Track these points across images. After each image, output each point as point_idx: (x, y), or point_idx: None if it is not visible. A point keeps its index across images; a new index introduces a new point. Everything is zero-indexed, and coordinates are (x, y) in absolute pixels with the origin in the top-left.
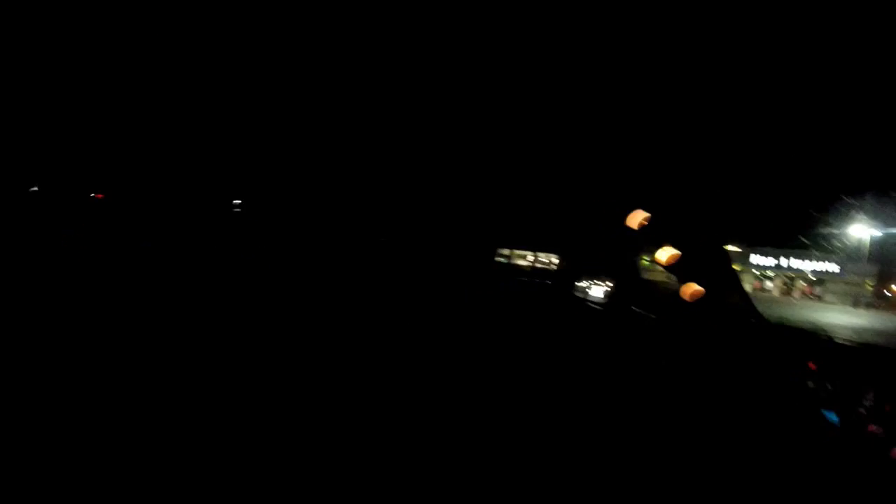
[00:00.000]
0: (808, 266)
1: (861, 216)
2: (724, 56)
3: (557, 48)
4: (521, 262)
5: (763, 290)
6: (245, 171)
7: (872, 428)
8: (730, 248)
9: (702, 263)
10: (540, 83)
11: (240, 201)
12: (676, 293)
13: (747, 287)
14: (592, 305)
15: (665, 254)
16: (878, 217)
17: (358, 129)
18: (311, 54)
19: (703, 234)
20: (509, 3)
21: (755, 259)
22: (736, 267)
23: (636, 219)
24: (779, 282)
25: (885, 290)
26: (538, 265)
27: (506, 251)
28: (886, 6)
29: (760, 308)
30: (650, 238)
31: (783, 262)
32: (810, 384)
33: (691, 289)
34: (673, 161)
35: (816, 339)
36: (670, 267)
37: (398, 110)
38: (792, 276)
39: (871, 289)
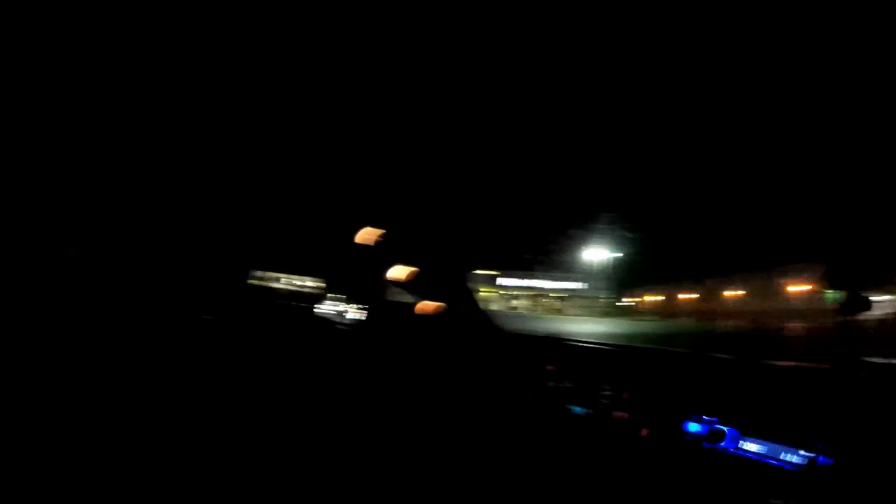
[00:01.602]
0: (552, 284)
1: (596, 238)
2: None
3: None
4: (275, 285)
5: (513, 308)
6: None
7: (618, 414)
8: (480, 271)
9: (438, 281)
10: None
11: None
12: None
13: (495, 306)
14: (341, 326)
15: (402, 272)
16: (611, 238)
17: None
18: None
19: (438, 252)
20: None
21: (503, 281)
22: (486, 289)
23: (369, 236)
24: (526, 300)
25: (620, 301)
26: (292, 287)
27: (259, 273)
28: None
29: (507, 322)
30: (388, 256)
31: (529, 282)
32: (551, 384)
33: (428, 305)
34: (410, 179)
35: (554, 344)
36: (407, 285)
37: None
38: (538, 294)
39: (606, 301)
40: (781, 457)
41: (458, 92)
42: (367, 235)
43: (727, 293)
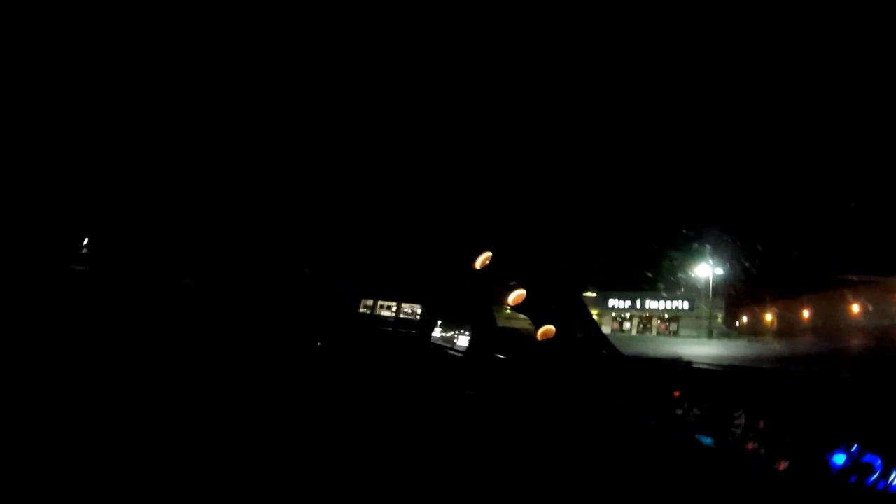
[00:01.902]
0: (661, 305)
1: (705, 255)
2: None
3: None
4: (385, 313)
5: (622, 329)
6: None
7: (751, 445)
8: (588, 294)
9: (552, 303)
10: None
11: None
12: (533, 336)
13: (606, 329)
14: (453, 353)
15: (511, 295)
16: (721, 254)
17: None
18: None
19: (550, 274)
20: None
21: (612, 302)
22: (595, 311)
23: (479, 259)
24: (635, 321)
25: (733, 322)
26: (402, 315)
27: (369, 302)
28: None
29: (620, 346)
30: (496, 279)
31: (638, 303)
32: (678, 411)
33: (544, 329)
34: (517, 205)
35: (677, 368)
36: (520, 308)
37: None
38: (647, 315)
39: (720, 321)
40: None
41: (572, 106)
42: (483, 260)
43: (850, 308)
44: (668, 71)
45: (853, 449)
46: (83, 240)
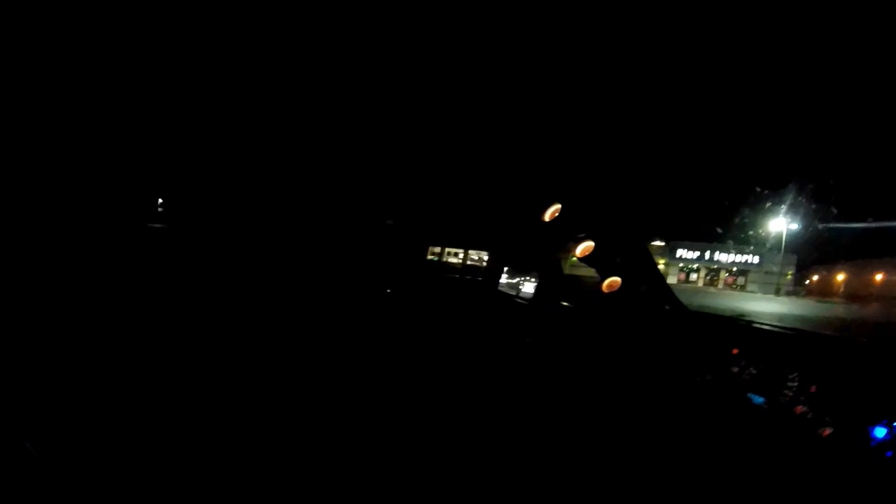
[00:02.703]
0: (730, 258)
1: (779, 210)
2: (637, 55)
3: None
4: (453, 260)
5: (688, 281)
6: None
7: (799, 409)
8: (655, 243)
9: (619, 255)
10: (461, 87)
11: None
12: (598, 287)
13: (672, 279)
14: (519, 300)
15: (579, 247)
16: (796, 211)
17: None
18: None
19: (618, 226)
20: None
21: (679, 252)
22: (661, 261)
23: (549, 212)
24: (702, 273)
25: (803, 280)
26: (469, 262)
27: (437, 249)
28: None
29: (684, 298)
30: (565, 231)
31: (706, 255)
32: (734, 369)
33: (610, 281)
34: (587, 157)
35: (738, 326)
36: (587, 259)
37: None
38: (715, 268)
39: (790, 278)
40: None
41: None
42: (549, 211)
43: None
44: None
45: (894, 424)
46: (158, 199)
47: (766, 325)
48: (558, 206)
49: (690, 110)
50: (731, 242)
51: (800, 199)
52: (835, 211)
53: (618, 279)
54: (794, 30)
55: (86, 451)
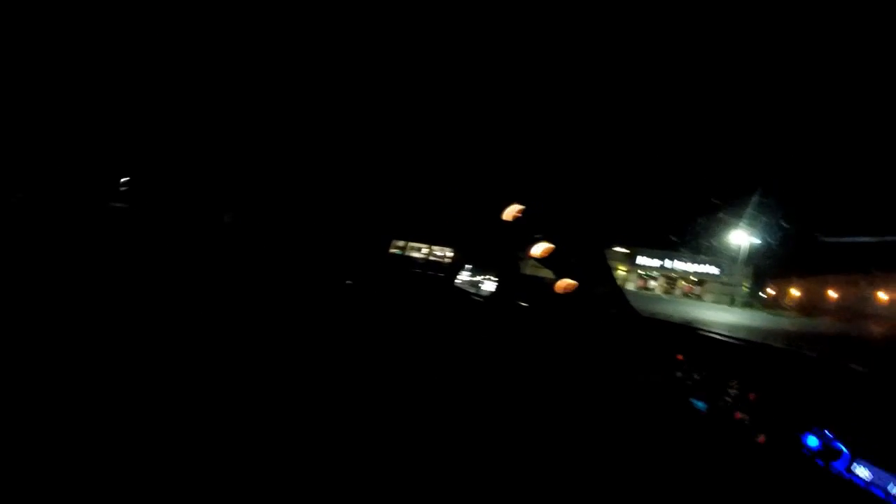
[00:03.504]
0: (690, 267)
1: (740, 223)
2: (605, 63)
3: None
4: (416, 255)
5: (647, 288)
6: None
7: (738, 415)
8: (617, 249)
9: (575, 258)
10: (429, 81)
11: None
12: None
13: (632, 286)
14: (476, 298)
15: (538, 248)
16: (757, 224)
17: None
18: None
19: (575, 229)
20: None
21: (640, 259)
22: (622, 267)
23: (510, 212)
24: (662, 281)
25: (759, 292)
26: (432, 258)
27: (401, 243)
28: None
29: (641, 304)
30: (524, 231)
31: (667, 263)
32: (678, 373)
33: (567, 283)
34: (550, 160)
35: (685, 332)
36: (544, 260)
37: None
38: (675, 276)
39: (746, 290)
40: (890, 489)
41: (610, 64)
42: (510, 211)
43: (882, 294)
44: (722, 38)
45: (825, 433)
46: (121, 178)
47: (713, 333)
48: (519, 206)
49: (657, 121)
50: (691, 252)
51: (761, 213)
52: (794, 226)
53: (572, 281)
54: (756, 47)
55: (75, 448)
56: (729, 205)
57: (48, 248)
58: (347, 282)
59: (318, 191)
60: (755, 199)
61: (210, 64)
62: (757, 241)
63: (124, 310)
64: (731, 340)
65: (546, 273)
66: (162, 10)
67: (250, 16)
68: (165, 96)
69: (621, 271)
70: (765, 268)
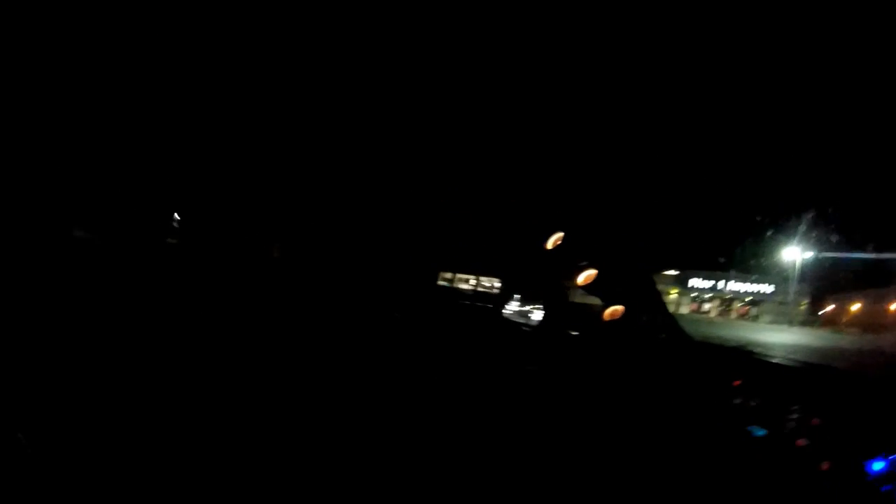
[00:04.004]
0: (743, 288)
1: (793, 239)
2: (645, 82)
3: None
4: (463, 286)
5: (700, 311)
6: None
7: (801, 442)
8: (667, 272)
9: (621, 284)
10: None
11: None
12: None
13: (685, 309)
14: (525, 328)
15: (582, 275)
16: (810, 240)
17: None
18: None
19: (620, 255)
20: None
21: (692, 282)
22: (673, 291)
23: (552, 240)
24: (716, 303)
25: (817, 309)
26: (480, 289)
27: (448, 275)
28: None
29: (695, 328)
30: (568, 259)
31: (719, 284)
32: (736, 400)
33: (612, 310)
34: (591, 186)
35: (742, 356)
36: (589, 287)
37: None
38: (729, 298)
39: (804, 308)
40: None
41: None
42: (554, 240)
43: None
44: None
45: (892, 458)
46: (172, 215)
47: (771, 356)
48: (560, 234)
49: (700, 140)
50: (744, 272)
51: (814, 227)
52: (849, 239)
53: (620, 308)
54: (805, 55)
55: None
56: (779, 220)
57: (108, 282)
58: (396, 314)
59: (365, 224)
60: (808, 213)
61: (260, 105)
62: (812, 255)
63: (183, 343)
64: (790, 364)
65: (595, 301)
66: (214, 55)
67: (303, 57)
68: (215, 136)
69: (673, 295)
70: (821, 284)
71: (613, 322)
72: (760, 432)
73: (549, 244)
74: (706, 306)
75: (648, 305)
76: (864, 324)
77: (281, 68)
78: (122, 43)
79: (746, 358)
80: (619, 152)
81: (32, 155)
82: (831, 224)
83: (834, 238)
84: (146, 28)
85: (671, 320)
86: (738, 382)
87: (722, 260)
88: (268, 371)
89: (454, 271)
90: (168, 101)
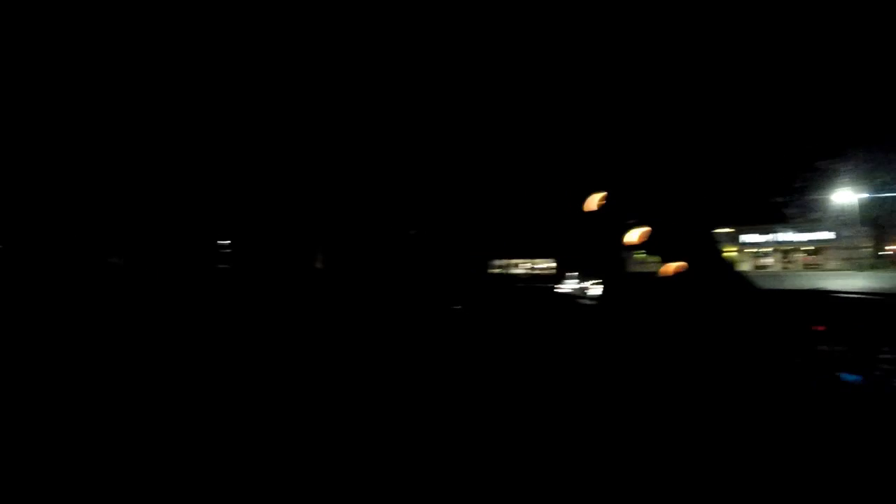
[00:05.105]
0: (802, 237)
1: (844, 180)
2: (683, 41)
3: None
4: (517, 271)
5: (762, 266)
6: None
7: None
8: (722, 230)
9: (678, 240)
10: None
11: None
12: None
13: (745, 266)
14: (584, 301)
15: (634, 234)
16: (862, 179)
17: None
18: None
19: (671, 208)
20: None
21: (748, 238)
22: (731, 248)
23: (594, 201)
24: (777, 256)
25: (883, 250)
26: (535, 272)
27: (503, 262)
28: None
29: (762, 283)
30: (616, 218)
31: (777, 236)
32: (822, 347)
33: (672, 267)
34: (630, 142)
35: (821, 299)
36: (645, 246)
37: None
38: (790, 249)
39: (869, 251)
40: None
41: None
42: (593, 201)
43: None
44: None
45: None
46: (221, 241)
47: (851, 293)
48: (602, 193)
49: (738, 77)
50: (800, 221)
51: (865, 166)
52: None
53: (680, 263)
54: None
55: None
56: (830, 163)
57: (157, 308)
58: (455, 307)
59: (415, 229)
60: (856, 153)
61: (296, 118)
62: (866, 196)
63: (243, 358)
64: (875, 298)
65: (653, 267)
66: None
67: (331, 68)
68: (257, 160)
69: (731, 252)
70: (882, 225)
71: (678, 281)
72: (853, 378)
73: (595, 205)
74: (767, 260)
75: (710, 259)
76: None
77: (312, 82)
78: (160, 72)
79: (824, 300)
80: (654, 104)
81: (74, 184)
82: (883, 162)
83: (888, 176)
84: (185, 59)
85: (736, 272)
86: (821, 328)
87: (778, 211)
88: (334, 383)
89: (506, 258)
90: (208, 129)
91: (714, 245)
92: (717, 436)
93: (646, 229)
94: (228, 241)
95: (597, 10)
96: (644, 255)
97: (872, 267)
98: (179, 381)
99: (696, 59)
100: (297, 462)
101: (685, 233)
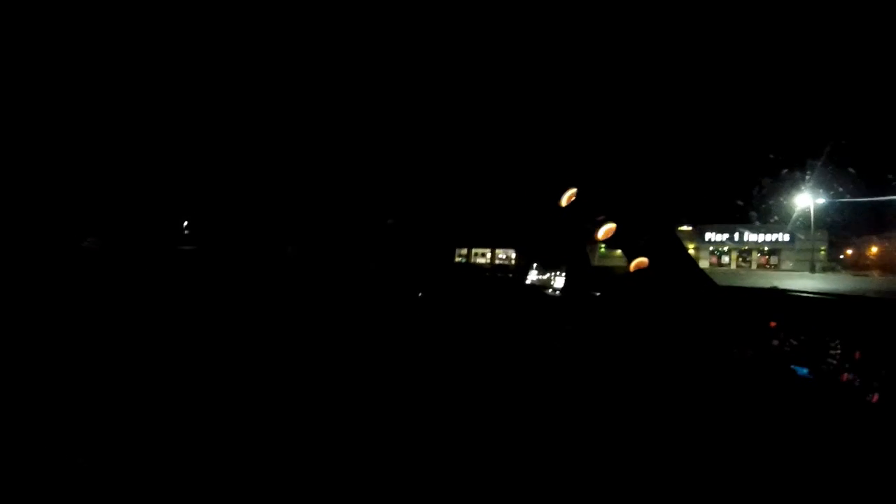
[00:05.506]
0: (760, 238)
1: (805, 185)
2: (657, 35)
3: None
4: (480, 260)
5: (720, 264)
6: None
7: (846, 377)
8: (682, 227)
9: (642, 235)
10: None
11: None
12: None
13: (704, 263)
14: (550, 294)
15: (602, 230)
16: (821, 186)
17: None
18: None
19: (637, 206)
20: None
21: (708, 236)
22: (690, 245)
23: (566, 197)
24: (734, 255)
25: (836, 255)
26: (497, 261)
27: (464, 251)
28: None
29: (719, 281)
30: (584, 215)
31: (736, 236)
32: (774, 342)
33: (637, 261)
34: (599, 139)
35: (774, 298)
36: (610, 242)
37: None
38: (747, 249)
39: (823, 254)
40: None
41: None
42: (568, 197)
43: None
44: None
45: None
46: (182, 223)
47: (804, 293)
48: (573, 189)
49: (706, 88)
50: (761, 222)
51: (827, 173)
52: (863, 183)
53: (644, 259)
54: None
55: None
56: (792, 167)
57: (126, 287)
58: (420, 294)
59: (379, 214)
60: (818, 158)
61: (270, 105)
62: (825, 201)
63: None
64: (825, 297)
65: (615, 263)
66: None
67: (323, 63)
68: (225, 138)
69: (690, 249)
70: (839, 229)
71: (641, 275)
72: (803, 371)
73: (564, 201)
74: (725, 259)
75: (671, 256)
76: (885, 266)
77: (291, 72)
78: (134, 51)
79: (779, 298)
80: (625, 102)
81: (42, 164)
82: (844, 168)
83: (848, 182)
84: (161, 37)
85: (697, 268)
86: (773, 324)
87: (739, 211)
88: (298, 361)
89: (469, 247)
90: (180, 109)
91: (677, 242)
92: (676, 424)
93: (612, 226)
94: (187, 223)
95: (566, 12)
96: (607, 250)
97: (825, 269)
98: (154, 365)
99: (666, 63)
100: (270, 445)
101: (649, 230)
